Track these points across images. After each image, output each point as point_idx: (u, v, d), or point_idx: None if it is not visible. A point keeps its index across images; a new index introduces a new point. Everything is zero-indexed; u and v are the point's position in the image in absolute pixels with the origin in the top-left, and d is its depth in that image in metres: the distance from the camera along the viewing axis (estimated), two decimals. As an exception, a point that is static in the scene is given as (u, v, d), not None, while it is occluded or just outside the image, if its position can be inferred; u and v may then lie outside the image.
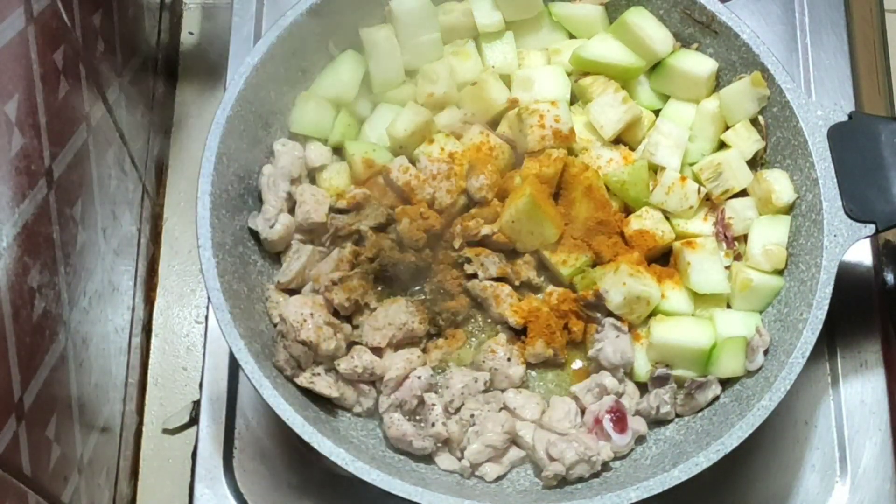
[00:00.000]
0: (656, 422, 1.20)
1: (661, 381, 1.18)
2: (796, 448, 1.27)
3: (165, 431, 1.44)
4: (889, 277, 1.34)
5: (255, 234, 1.23)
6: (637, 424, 1.17)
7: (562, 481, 1.14)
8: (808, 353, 1.10)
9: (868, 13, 1.49)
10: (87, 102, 1.24)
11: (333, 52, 1.29)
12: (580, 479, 1.13)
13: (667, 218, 1.25)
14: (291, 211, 1.23)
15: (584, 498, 1.07)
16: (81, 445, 1.21)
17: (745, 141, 1.25)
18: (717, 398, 1.18)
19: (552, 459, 1.13)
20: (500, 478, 1.16)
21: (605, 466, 1.15)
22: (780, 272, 1.21)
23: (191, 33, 1.67)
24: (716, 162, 1.24)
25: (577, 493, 1.13)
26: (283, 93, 1.26)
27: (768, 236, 1.21)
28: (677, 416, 1.19)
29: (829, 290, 1.12)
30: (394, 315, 1.19)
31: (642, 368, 1.20)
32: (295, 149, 1.25)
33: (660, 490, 1.05)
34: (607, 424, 1.15)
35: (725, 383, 1.19)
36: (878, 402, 1.28)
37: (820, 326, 1.11)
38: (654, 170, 1.25)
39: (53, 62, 1.12)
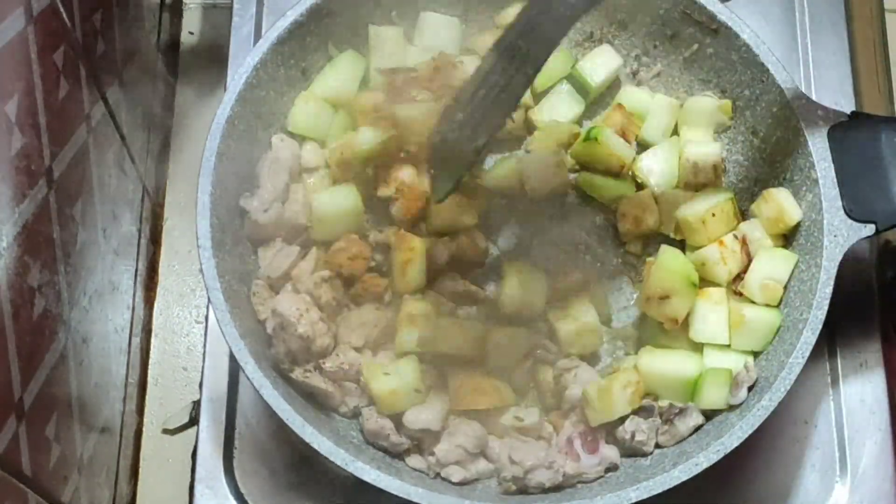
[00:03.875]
0: (632, 454, 1.17)
1: (645, 412, 1.16)
2: (796, 448, 1.26)
3: (165, 431, 1.44)
4: (889, 277, 1.34)
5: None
6: (609, 451, 1.15)
7: (524, 488, 1.13)
8: (808, 353, 1.10)
9: (868, 13, 1.49)
10: (87, 102, 1.24)
11: (333, 53, 1.30)
12: (544, 490, 1.12)
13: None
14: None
15: (584, 498, 1.07)
16: (81, 445, 1.21)
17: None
18: (699, 427, 1.16)
19: (512, 462, 1.12)
20: (464, 482, 1.15)
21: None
22: (774, 307, 1.19)
23: (191, 33, 1.67)
24: (691, 161, 1.26)
25: (577, 494, 1.13)
26: (283, 93, 1.26)
27: (769, 272, 1.19)
28: (658, 446, 1.17)
29: (829, 290, 1.12)
30: (365, 314, 1.19)
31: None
32: (292, 146, 1.25)
33: (660, 490, 1.05)
34: (577, 443, 1.15)
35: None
36: (878, 402, 1.28)
37: (820, 326, 1.11)
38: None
39: (53, 62, 1.12)
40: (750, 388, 1.14)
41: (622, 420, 1.15)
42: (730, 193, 1.24)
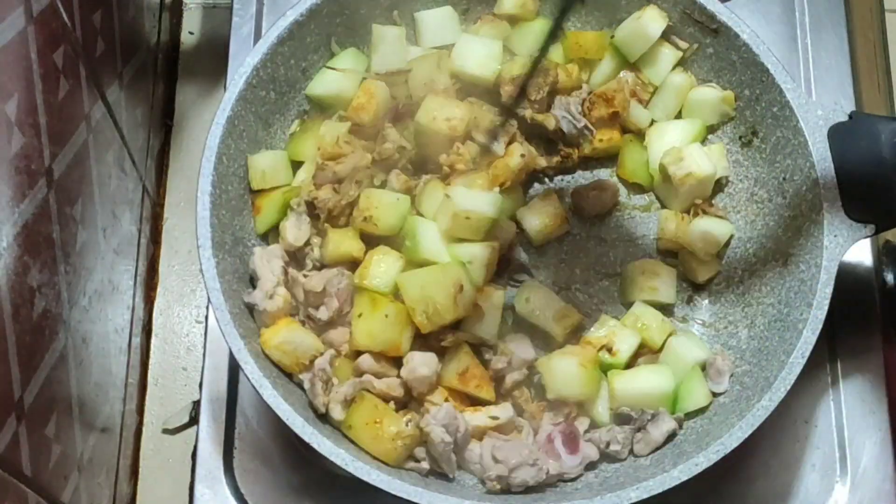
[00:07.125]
0: (606, 457, 1.17)
1: (622, 419, 1.16)
2: (796, 447, 1.27)
3: (165, 431, 1.44)
4: (889, 277, 1.34)
5: (255, 234, 1.23)
6: (589, 450, 1.15)
7: (507, 487, 1.12)
8: (808, 353, 1.10)
9: (868, 13, 1.49)
10: (87, 102, 1.24)
11: (336, 50, 1.30)
12: (527, 488, 1.12)
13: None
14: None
15: (584, 498, 1.07)
16: (81, 445, 1.21)
17: (712, 161, 1.27)
18: (674, 435, 1.16)
19: (496, 462, 1.12)
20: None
21: (592, 466, 1.16)
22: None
23: (191, 33, 1.67)
24: (678, 149, 1.26)
25: (576, 494, 1.13)
26: (284, 93, 1.26)
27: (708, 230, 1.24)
28: (634, 455, 1.17)
29: (830, 290, 1.12)
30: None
31: (603, 415, 1.18)
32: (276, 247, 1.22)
33: (660, 490, 1.05)
34: (558, 443, 1.15)
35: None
36: (878, 402, 1.28)
37: (820, 326, 1.11)
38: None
39: (53, 62, 1.12)
40: (731, 377, 1.17)
41: (597, 427, 1.17)
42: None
